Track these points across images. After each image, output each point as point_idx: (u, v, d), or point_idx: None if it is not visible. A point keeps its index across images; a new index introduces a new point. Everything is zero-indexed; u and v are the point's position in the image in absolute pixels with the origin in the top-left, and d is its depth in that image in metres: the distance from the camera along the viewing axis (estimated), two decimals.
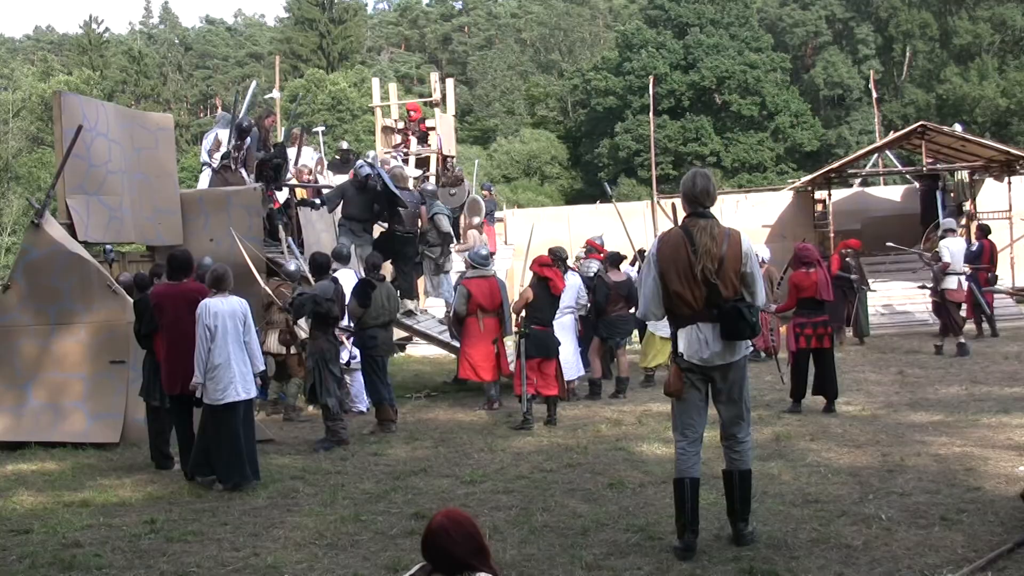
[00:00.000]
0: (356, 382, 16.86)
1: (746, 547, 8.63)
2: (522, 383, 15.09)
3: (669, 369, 8.85)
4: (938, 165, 29.79)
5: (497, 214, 31.26)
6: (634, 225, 23.51)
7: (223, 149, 19.76)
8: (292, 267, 16.80)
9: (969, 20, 72.96)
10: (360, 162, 19.75)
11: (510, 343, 16.98)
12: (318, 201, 19.60)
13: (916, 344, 21.84)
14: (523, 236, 29.21)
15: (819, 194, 29.63)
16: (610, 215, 25.51)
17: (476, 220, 24.83)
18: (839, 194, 30.98)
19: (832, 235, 27.41)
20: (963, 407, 14.58)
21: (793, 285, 15.34)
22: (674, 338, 8.72)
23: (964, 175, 29.40)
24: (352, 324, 15.61)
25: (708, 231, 8.50)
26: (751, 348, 9.26)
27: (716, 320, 8.49)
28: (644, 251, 18.99)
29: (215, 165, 19.79)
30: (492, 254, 17.70)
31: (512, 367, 15.98)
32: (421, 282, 20.36)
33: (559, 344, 15.56)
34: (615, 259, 18.04)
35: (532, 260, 16.25)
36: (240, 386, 11.84)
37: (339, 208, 18.81)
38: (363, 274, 16.24)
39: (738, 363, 8.69)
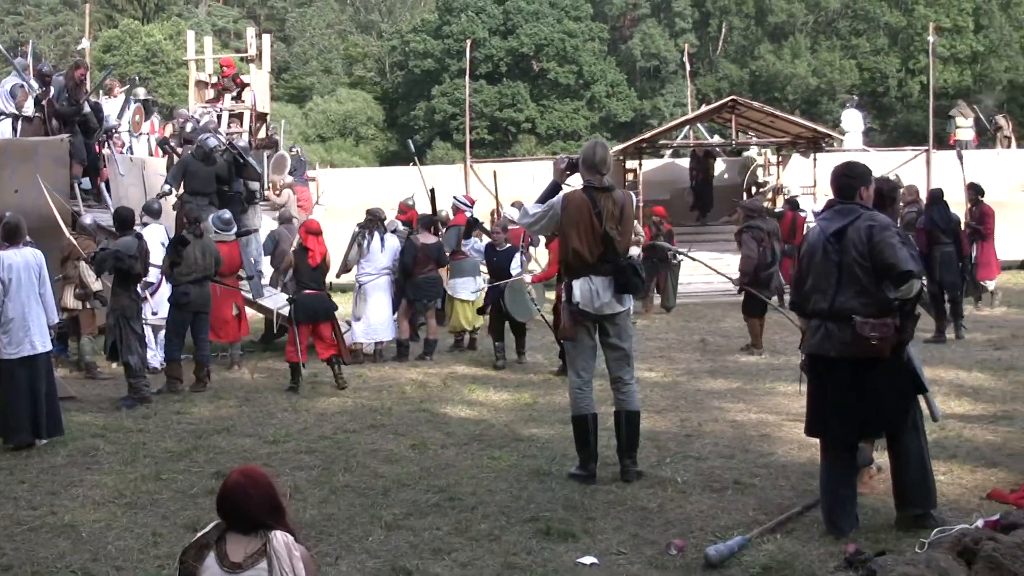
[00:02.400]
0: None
1: (547, 509, 8.79)
2: (296, 349, 15.02)
3: (564, 315, 9.73)
4: (752, 139, 30.41)
5: (309, 173, 30.98)
6: (448, 188, 23.46)
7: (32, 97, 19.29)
8: (88, 220, 16.46)
9: (785, 0, 74.39)
10: (205, 133, 19.44)
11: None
12: (166, 187, 18.89)
13: (719, 313, 22.26)
14: (337, 196, 29.05)
15: (630, 164, 29.91)
16: (425, 177, 25.49)
17: (289, 178, 24.59)
18: (650, 164, 31.34)
19: (641, 204, 27.74)
20: (761, 375, 14.96)
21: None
22: (568, 288, 9.55)
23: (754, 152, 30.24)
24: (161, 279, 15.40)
25: (609, 196, 9.51)
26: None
27: (608, 274, 9.42)
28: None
29: (25, 113, 19.30)
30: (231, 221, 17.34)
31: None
32: None
33: (332, 307, 15.40)
34: (426, 221, 18.04)
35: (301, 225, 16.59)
36: (37, 339, 11.58)
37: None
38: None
39: (625, 312, 9.64)
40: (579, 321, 9.56)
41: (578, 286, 9.50)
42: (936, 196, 18.02)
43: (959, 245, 18.12)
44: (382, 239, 17.28)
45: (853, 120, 34.39)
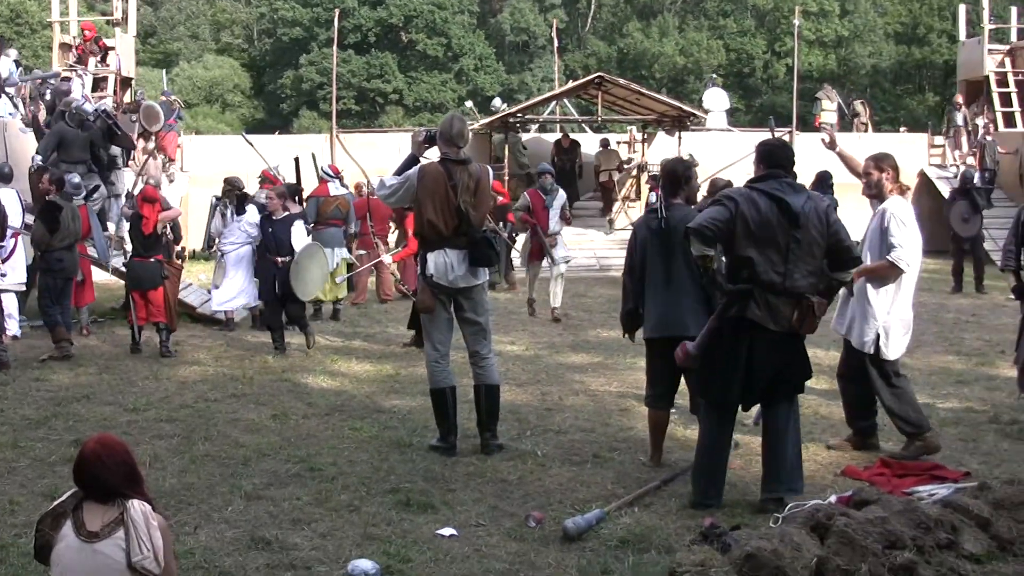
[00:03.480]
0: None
1: (407, 481, 8.82)
2: (132, 314, 15.12)
3: (419, 288, 9.80)
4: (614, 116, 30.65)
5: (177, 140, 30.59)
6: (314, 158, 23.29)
7: None
8: None
9: None
10: (78, 98, 19.09)
11: None
12: (38, 159, 18.29)
13: (582, 288, 22.44)
14: (201, 163, 28.66)
15: (497, 138, 29.97)
16: (291, 146, 25.31)
17: (156, 127, 24.23)
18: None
19: (507, 178, 27.81)
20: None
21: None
22: (424, 261, 9.58)
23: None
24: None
25: (465, 168, 9.57)
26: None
27: (463, 247, 9.44)
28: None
29: None
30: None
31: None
32: None
33: (160, 274, 15.20)
34: (292, 191, 17.89)
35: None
36: None
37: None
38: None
39: (480, 286, 9.70)
40: (434, 294, 9.58)
41: (432, 259, 9.54)
42: (824, 178, 18.44)
43: None
44: (244, 208, 17.11)
45: (716, 99, 34.68)
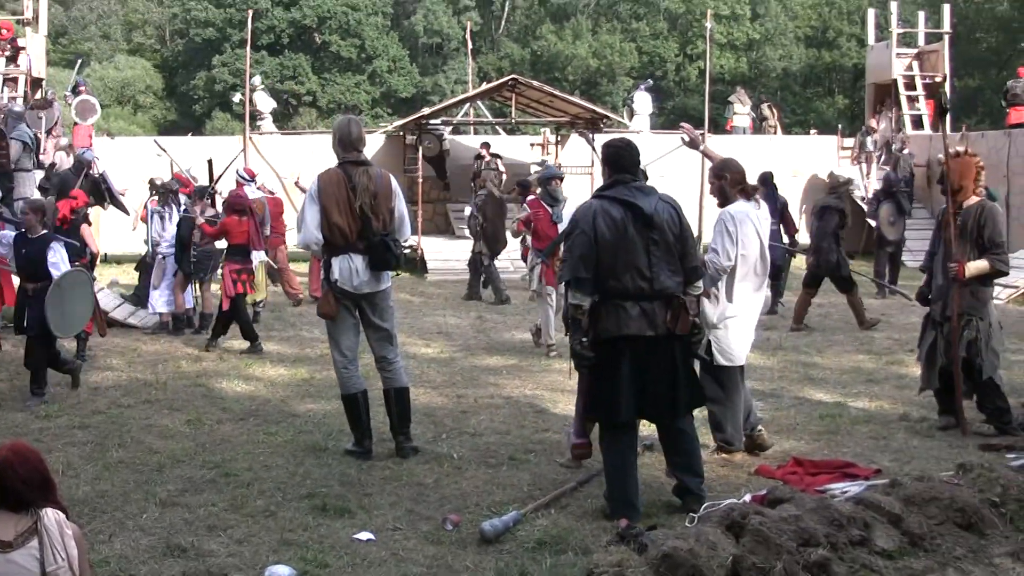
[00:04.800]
0: None
1: (323, 485, 8.80)
2: None
3: (323, 293, 9.72)
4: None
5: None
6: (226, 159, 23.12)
7: None
8: None
9: None
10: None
11: None
12: None
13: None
14: (113, 165, 28.31)
15: (410, 139, 29.92)
16: (203, 148, 25.10)
17: (92, 119, 23.98)
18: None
19: (420, 181, 27.78)
20: (537, 352, 15.17)
21: (227, 231, 15.84)
22: (328, 266, 9.53)
23: None
24: None
25: (365, 171, 9.54)
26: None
27: (366, 252, 9.39)
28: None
29: None
30: None
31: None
32: None
33: None
34: (202, 193, 17.75)
35: None
36: None
37: None
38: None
39: (385, 291, 9.66)
40: (338, 300, 9.56)
41: (337, 264, 9.50)
42: (766, 179, 18.67)
43: (787, 226, 19.06)
44: (178, 211, 17.10)
45: (644, 102, 34.98)
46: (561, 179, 16.77)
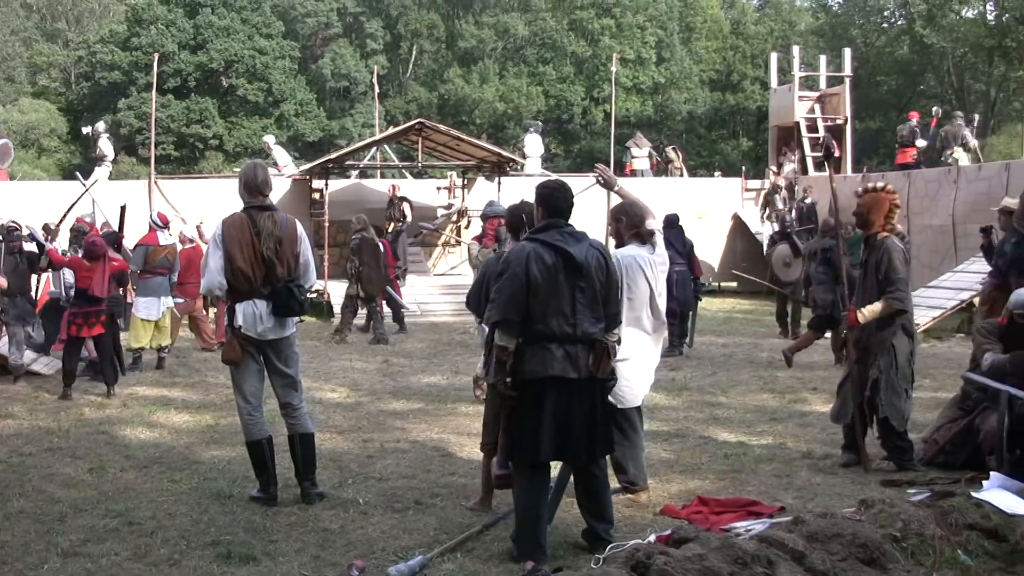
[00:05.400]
0: None
1: (228, 533, 8.72)
2: None
3: (227, 339, 9.61)
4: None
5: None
6: (130, 204, 22.93)
7: None
8: None
9: (475, 25, 75.57)
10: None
11: None
12: None
13: (403, 335, 22.47)
14: (16, 210, 28.01)
15: (317, 183, 29.85)
16: (108, 192, 24.95)
17: (7, 162, 23.72)
18: (336, 184, 31.29)
19: (326, 224, 27.72)
20: (444, 396, 15.16)
21: (73, 269, 15.85)
22: (232, 312, 9.46)
23: None
24: None
25: (270, 216, 9.50)
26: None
27: (270, 297, 9.35)
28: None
29: None
30: None
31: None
32: None
33: None
34: (111, 239, 17.60)
35: None
36: None
37: None
38: None
39: (289, 337, 9.67)
40: (242, 345, 9.49)
41: (241, 309, 9.44)
42: (672, 220, 18.88)
43: (692, 266, 19.33)
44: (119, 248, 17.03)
45: (534, 145, 35.19)
46: (503, 219, 16.64)
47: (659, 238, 9.69)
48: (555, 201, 8.16)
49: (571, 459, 8.32)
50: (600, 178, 10.10)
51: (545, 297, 7.81)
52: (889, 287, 10.56)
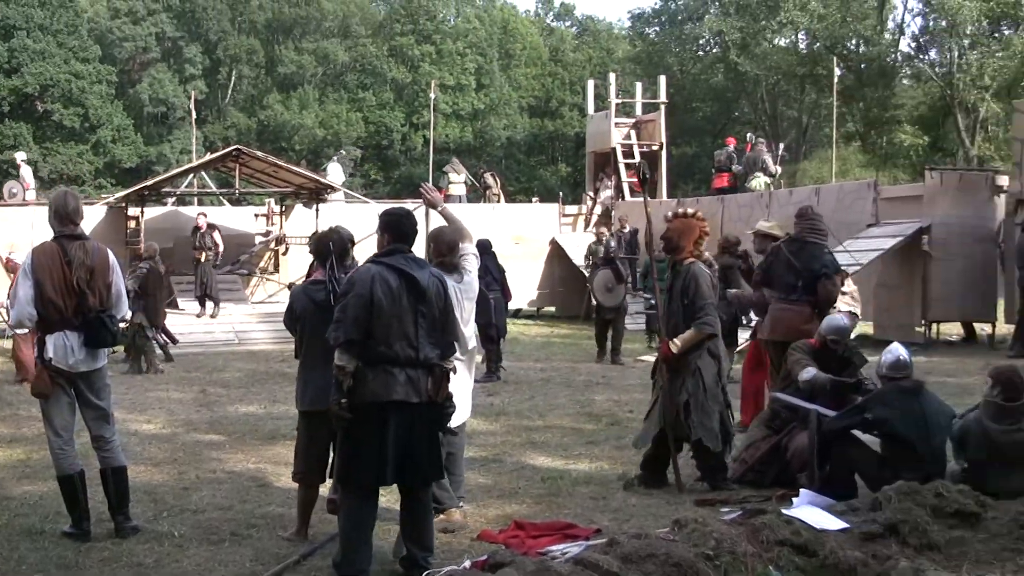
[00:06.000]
0: None
1: (39, 570, 8.56)
2: None
3: (37, 371, 9.36)
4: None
5: None
6: None
7: None
8: None
9: (295, 51, 75.32)
10: None
11: None
12: None
13: (220, 363, 22.26)
14: None
15: (133, 210, 29.39)
16: None
17: None
18: (153, 211, 30.81)
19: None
20: (261, 425, 15.04)
21: None
22: (42, 343, 9.23)
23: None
24: None
25: (81, 245, 9.23)
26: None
27: (81, 329, 9.16)
28: None
29: None
30: None
31: None
32: None
33: None
34: None
35: None
36: None
37: None
38: None
39: (101, 369, 9.45)
40: (52, 378, 9.29)
41: (52, 341, 9.23)
42: (485, 246, 18.97)
43: (505, 292, 19.59)
44: None
45: (336, 173, 35.51)
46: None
47: (473, 264, 9.77)
48: (401, 227, 8.26)
49: (409, 483, 8.31)
50: (426, 196, 10.25)
51: (388, 319, 7.87)
52: (698, 313, 10.78)
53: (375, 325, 7.86)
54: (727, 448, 11.11)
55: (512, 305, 31.46)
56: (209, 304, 26.56)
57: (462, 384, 9.71)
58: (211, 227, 27.82)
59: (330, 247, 9.36)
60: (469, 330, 9.68)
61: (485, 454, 12.86)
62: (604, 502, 10.60)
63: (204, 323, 26.40)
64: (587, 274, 26.38)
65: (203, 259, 26.57)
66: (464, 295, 9.54)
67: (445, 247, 9.60)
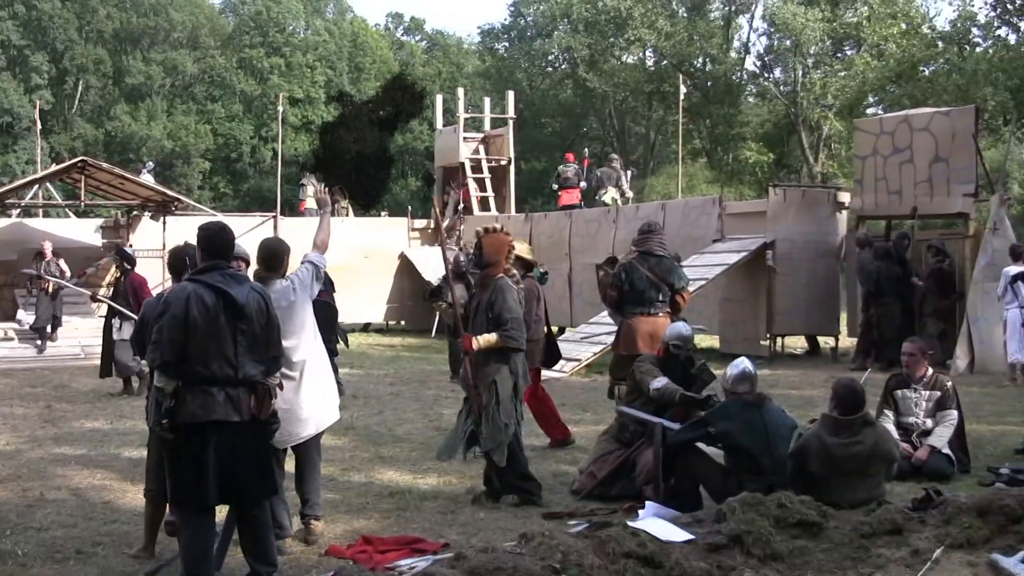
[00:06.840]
0: None
1: None
2: None
3: None
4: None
5: None
6: None
7: None
8: None
9: (143, 61, 74.38)
10: None
11: None
12: None
13: (66, 378, 21.93)
14: None
15: None
16: None
17: None
18: None
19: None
20: (107, 441, 14.87)
21: None
22: None
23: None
24: None
25: None
26: None
27: None
28: None
29: None
30: None
31: None
32: None
33: None
34: None
35: None
36: None
37: None
38: None
39: None
40: None
41: None
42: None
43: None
44: None
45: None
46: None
47: (305, 272, 9.68)
48: (216, 243, 8.19)
49: (236, 502, 8.32)
50: (319, 195, 10.34)
51: (205, 339, 7.81)
52: (502, 324, 10.84)
53: (190, 345, 7.80)
54: (518, 462, 11.18)
55: (361, 319, 31.89)
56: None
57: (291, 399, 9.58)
58: (56, 255, 26.84)
59: (186, 261, 9.32)
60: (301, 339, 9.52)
61: (333, 469, 12.85)
62: (452, 516, 10.69)
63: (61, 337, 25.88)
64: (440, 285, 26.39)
65: (49, 289, 25.48)
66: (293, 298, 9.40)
67: (269, 260, 9.53)
